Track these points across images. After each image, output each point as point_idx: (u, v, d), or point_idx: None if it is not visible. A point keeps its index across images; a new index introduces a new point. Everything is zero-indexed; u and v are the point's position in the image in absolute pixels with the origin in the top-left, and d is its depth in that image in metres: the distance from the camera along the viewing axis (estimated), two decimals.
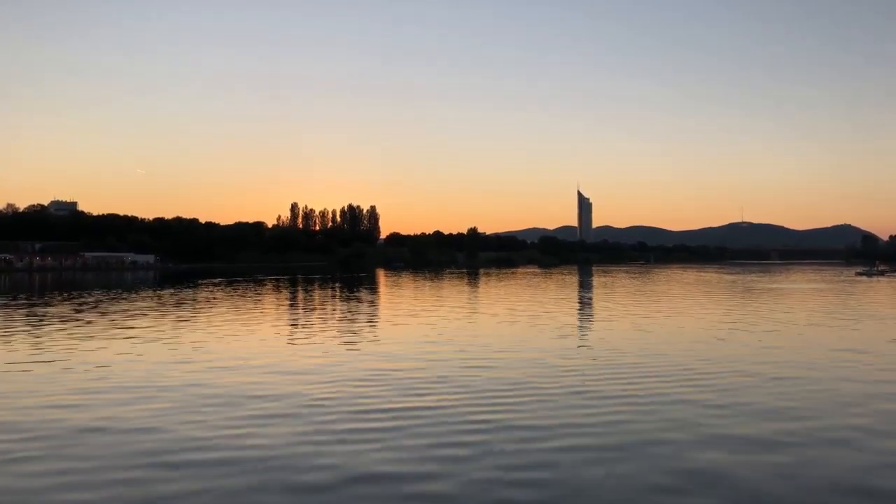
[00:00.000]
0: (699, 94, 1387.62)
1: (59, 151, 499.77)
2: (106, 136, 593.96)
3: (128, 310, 34.82)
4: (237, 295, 47.99)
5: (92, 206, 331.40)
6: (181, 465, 9.01)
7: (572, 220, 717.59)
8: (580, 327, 27.13)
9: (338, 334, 24.06)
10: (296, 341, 22.31)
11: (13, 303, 40.26)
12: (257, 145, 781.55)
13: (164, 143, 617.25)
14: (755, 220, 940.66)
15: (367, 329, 25.97)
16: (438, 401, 12.88)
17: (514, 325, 27.27)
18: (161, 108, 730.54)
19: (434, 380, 15.08)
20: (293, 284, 66.37)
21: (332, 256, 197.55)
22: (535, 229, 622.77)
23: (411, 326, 26.93)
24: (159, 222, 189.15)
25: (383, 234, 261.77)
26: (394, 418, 11.49)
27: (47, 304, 38.40)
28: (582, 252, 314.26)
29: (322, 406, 12.45)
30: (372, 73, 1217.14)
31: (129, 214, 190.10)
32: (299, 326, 27.02)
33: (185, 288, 58.63)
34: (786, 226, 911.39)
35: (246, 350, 20.13)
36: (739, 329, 25.69)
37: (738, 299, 44.44)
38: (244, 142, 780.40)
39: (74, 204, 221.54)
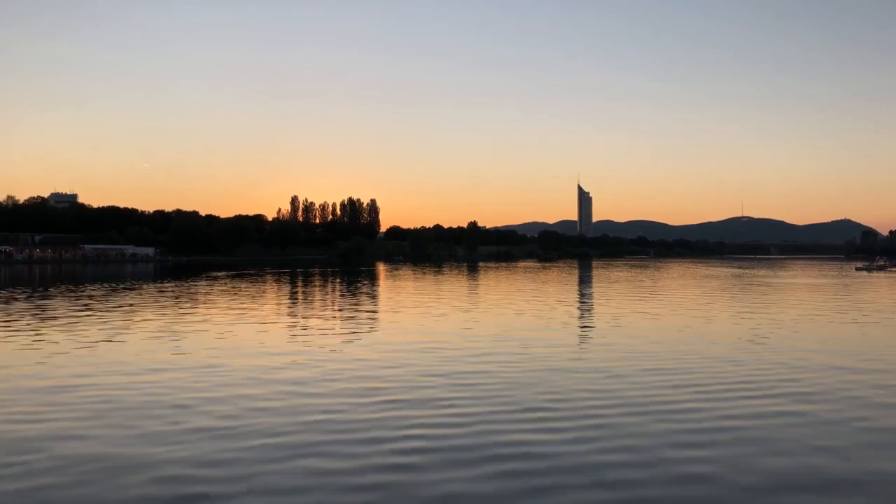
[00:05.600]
0: (700, 88, 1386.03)
1: (60, 144, 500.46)
2: (106, 129, 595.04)
3: (163, 304, 34.74)
4: (248, 290, 47.89)
5: (92, 198, 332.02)
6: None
7: (572, 214, 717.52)
8: (589, 327, 27.15)
9: (353, 332, 24.03)
10: (325, 341, 22.20)
11: (15, 295, 40.26)
12: (258, 139, 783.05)
13: (165, 137, 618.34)
14: (755, 215, 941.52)
15: (377, 326, 25.92)
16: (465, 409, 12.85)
17: (524, 322, 27.23)
18: (162, 102, 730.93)
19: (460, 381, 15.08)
20: (300, 278, 66.30)
21: (332, 250, 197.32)
22: (534, 223, 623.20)
23: (428, 323, 26.83)
24: (159, 215, 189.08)
25: (383, 228, 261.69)
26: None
27: (47, 297, 38.40)
28: (581, 246, 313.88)
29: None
30: (373, 68, 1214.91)
31: (129, 207, 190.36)
32: (321, 325, 26.93)
33: (191, 282, 58.54)
34: (786, 220, 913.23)
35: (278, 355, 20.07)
36: (780, 328, 25.69)
37: (750, 294, 44.41)
38: (245, 135, 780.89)
39: (74, 196, 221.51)
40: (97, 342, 19.28)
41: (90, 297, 37.45)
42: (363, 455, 8.85)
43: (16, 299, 35.59)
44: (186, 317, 26.71)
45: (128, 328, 22.69)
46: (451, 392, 12.67)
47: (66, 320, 25.03)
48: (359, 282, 58.79)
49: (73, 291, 42.04)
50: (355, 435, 9.77)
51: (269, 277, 65.18)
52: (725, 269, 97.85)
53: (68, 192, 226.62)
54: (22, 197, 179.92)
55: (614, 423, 10.50)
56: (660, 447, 9.24)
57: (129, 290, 44.43)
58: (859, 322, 25.57)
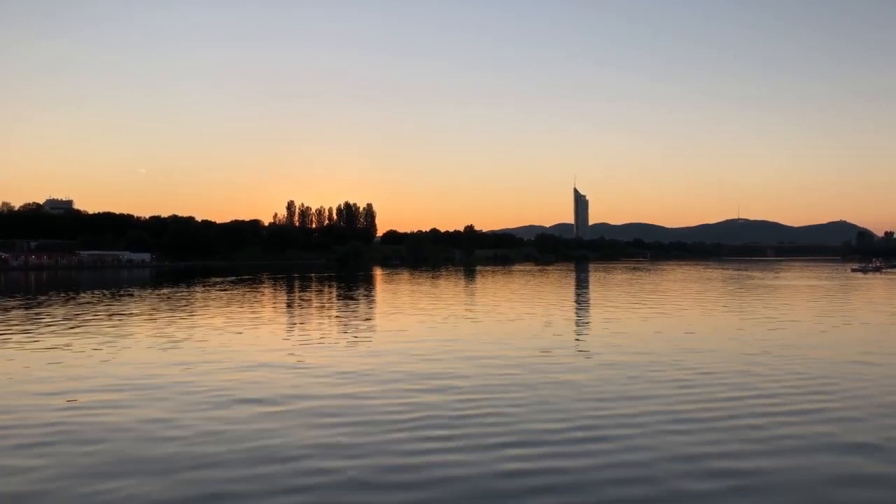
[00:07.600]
0: (696, 90, 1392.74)
1: (55, 150, 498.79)
2: (102, 134, 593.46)
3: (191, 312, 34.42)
4: (249, 298, 47.56)
5: (88, 204, 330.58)
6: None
7: (569, 217, 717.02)
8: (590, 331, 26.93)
9: (357, 339, 23.77)
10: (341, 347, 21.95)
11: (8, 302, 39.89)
12: (253, 143, 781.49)
13: (160, 142, 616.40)
14: (751, 217, 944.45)
15: (376, 333, 25.67)
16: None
17: (523, 328, 27.00)
18: (157, 107, 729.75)
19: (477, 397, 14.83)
20: (300, 283, 66.01)
21: (329, 254, 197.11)
22: (531, 227, 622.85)
23: (428, 329, 26.58)
24: (155, 220, 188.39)
25: (380, 232, 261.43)
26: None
27: (42, 305, 38.04)
28: (578, 249, 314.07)
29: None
30: (368, 71, 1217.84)
31: (125, 213, 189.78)
32: (321, 332, 26.68)
33: (187, 290, 58.15)
34: (782, 222, 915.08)
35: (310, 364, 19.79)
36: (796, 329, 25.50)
37: (751, 298, 44.28)
38: (244, 136, 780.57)
39: (70, 202, 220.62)
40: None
41: (82, 305, 37.12)
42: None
43: (7, 307, 35.24)
44: (183, 331, 26.41)
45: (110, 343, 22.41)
46: (449, 404, 12.45)
47: (61, 332, 24.72)
48: (357, 287, 58.62)
49: (67, 302, 41.68)
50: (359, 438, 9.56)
51: (268, 283, 64.85)
52: (724, 272, 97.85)
53: (64, 199, 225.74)
54: (17, 203, 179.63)
55: (618, 436, 10.28)
56: (674, 470, 9.03)
57: (123, 297, 44.07)
58: (864, 322, 25.41)
